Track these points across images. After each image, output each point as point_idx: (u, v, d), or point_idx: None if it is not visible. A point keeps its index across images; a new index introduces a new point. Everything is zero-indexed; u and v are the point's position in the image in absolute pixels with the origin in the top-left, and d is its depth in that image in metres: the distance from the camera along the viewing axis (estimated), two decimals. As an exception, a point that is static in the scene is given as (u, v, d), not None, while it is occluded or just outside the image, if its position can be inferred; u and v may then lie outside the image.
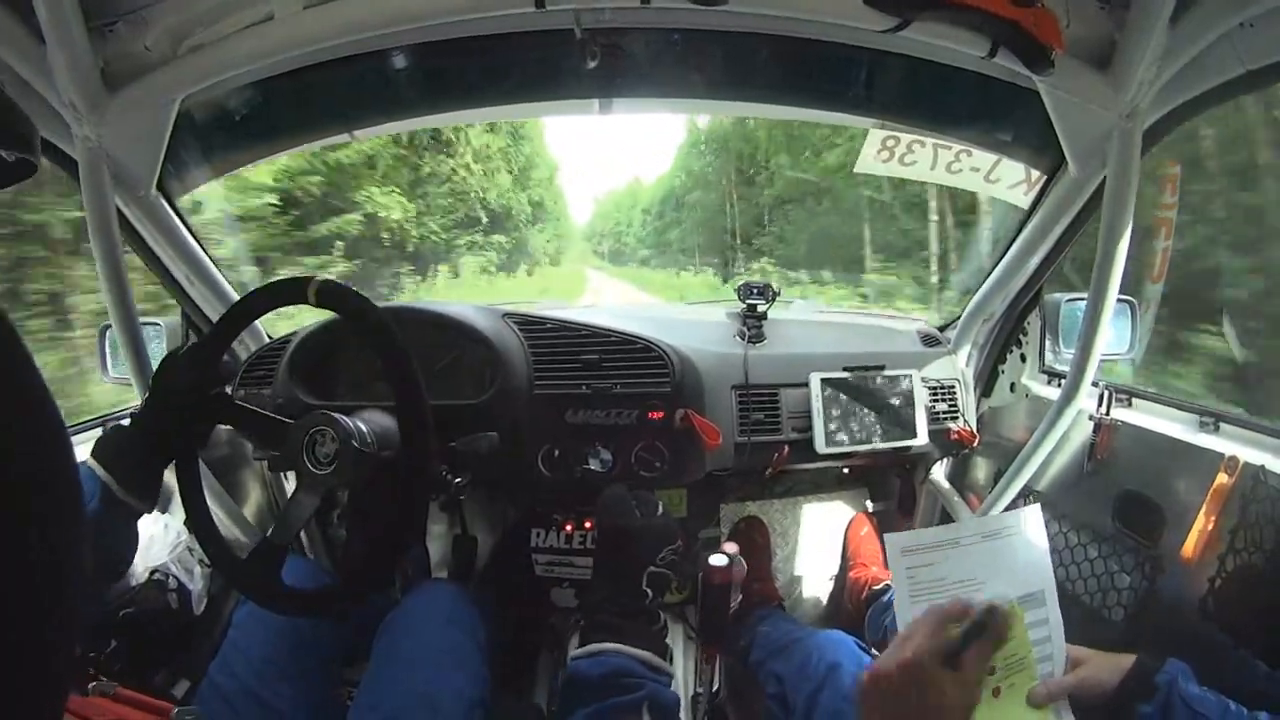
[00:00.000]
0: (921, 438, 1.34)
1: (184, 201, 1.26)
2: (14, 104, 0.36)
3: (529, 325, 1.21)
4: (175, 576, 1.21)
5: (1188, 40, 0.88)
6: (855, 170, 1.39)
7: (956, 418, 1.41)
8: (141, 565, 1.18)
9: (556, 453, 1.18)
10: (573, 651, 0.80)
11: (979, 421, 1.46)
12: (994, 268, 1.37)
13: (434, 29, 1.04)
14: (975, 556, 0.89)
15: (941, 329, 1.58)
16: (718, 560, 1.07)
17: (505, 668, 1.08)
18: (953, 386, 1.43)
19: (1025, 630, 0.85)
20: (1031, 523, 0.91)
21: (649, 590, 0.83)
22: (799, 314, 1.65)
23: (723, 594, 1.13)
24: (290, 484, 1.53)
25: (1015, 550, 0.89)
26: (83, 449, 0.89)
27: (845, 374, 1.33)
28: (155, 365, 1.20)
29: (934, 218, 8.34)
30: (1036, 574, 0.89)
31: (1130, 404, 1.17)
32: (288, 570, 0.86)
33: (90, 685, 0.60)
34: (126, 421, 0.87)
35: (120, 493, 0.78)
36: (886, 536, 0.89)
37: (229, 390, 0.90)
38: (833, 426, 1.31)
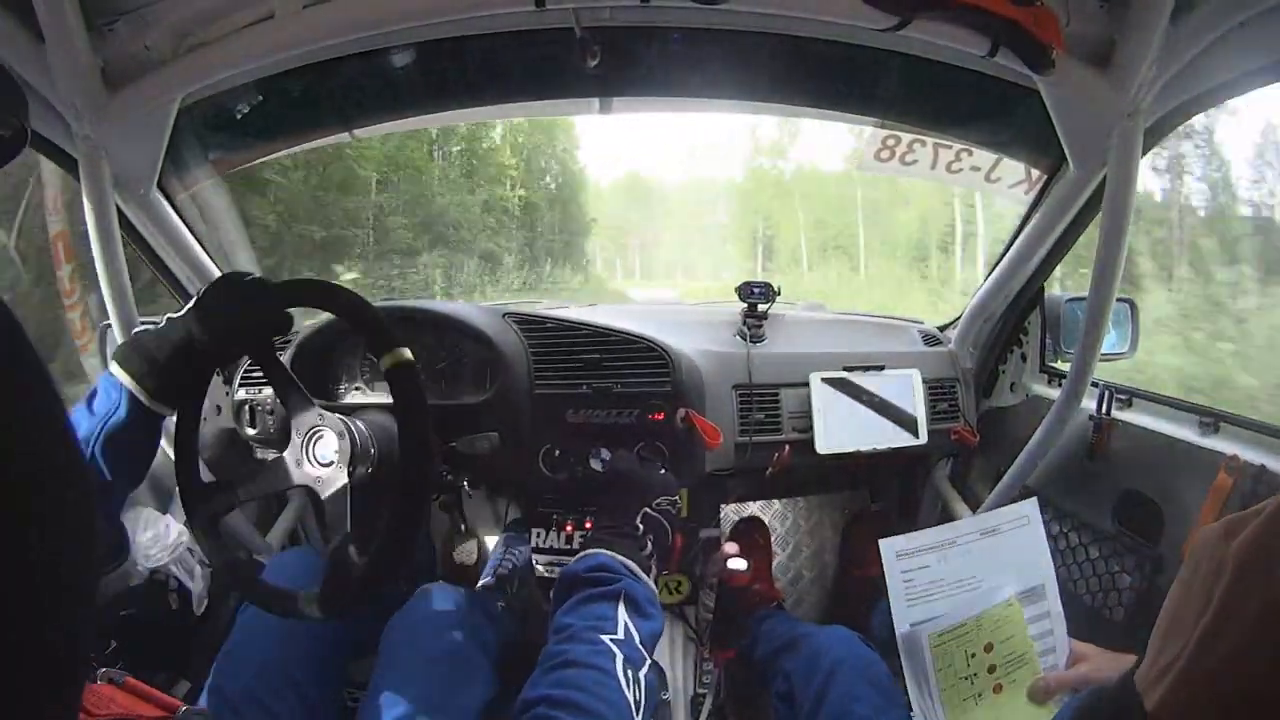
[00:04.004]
0: (922, 437, 1.34)
1: (184, 200, 1.26)
2: (8, 73, 0.36)
3: (529, 325, 1.21)
4: (175, 577, 1.21)
5: (1188, 39, 0.88)
6: (856, 170, 1.40)
7: (957, 417, 1.41)
8: (141, 565, 1.17)
9: (557, 452, 1.17)
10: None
11: (979, 421, 1.46)
12: (994, 267, 1.37)
13: (434, 28, 1.04)
14: (973, 555, 0.89)
15: (942, 329, 1.57)
16: (737, 564, 1.07)
17: (507, 669, 1.08)
18: (953, 386, 1.43)
19: (1025, 626, 0.85)
20: (1029, 517, 0.91)
21: (641, 526, 0.87)
22: (800, 314, 1.65)
23: (740, 597, 1.13)
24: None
25: (1013, 545, 0.90)
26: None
27: (846, 374, 1.33)
28: None
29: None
30: (1036, 568, 0.89)
31: (1130, 404, 1.17)
32: (291, 567, 0.85)
33: (100, 671, 0.60)
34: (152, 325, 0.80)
35: (148, 402, 0.75)
36: (880, 542, 0.89)
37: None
38: (833, 426, 1.31)
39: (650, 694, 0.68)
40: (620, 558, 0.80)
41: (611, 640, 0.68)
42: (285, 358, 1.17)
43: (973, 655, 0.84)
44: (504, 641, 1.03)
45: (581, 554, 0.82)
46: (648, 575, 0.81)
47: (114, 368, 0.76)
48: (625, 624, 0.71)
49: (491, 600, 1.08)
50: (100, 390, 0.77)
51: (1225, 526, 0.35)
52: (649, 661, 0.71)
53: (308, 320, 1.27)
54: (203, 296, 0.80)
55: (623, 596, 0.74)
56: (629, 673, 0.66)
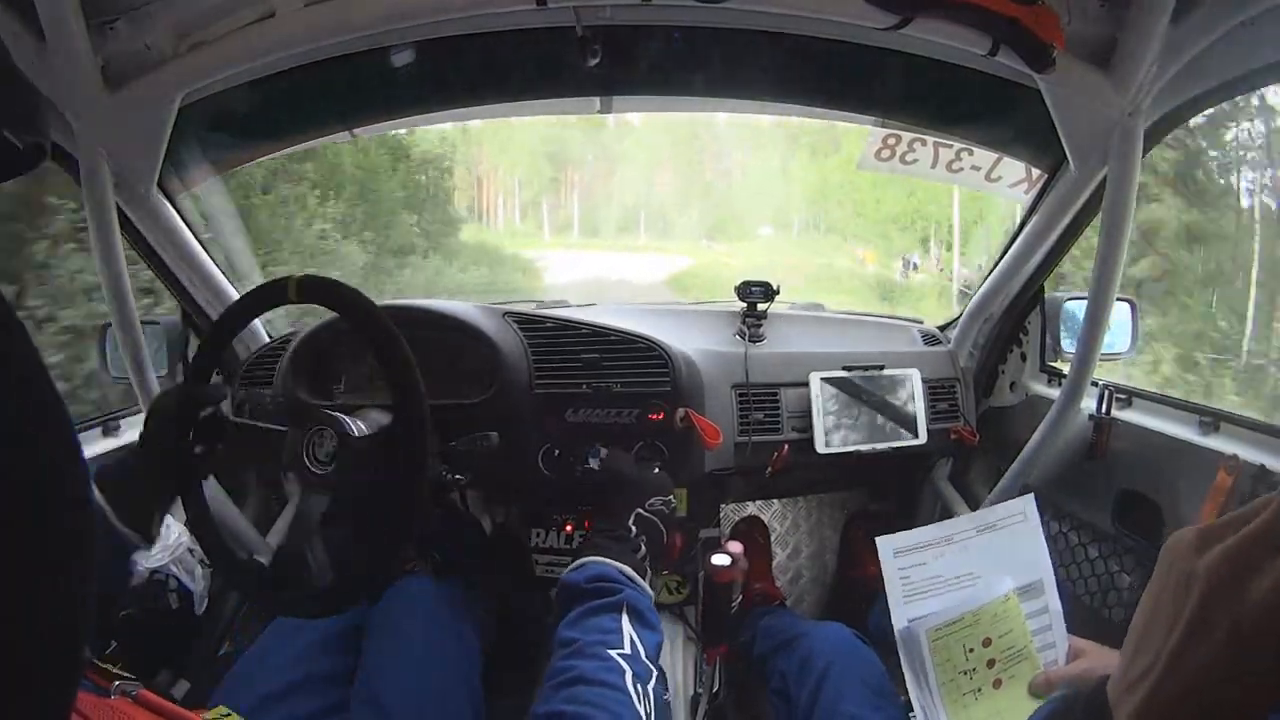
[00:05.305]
0: (922, 437, 1.34)
1: (184, 200, 1.26)
2: (28, 82, 0.35)
3: (529, 324, 1.21)
4: (175, 577, 1.21)
5: (1189, 39, 0.88)
6: (857, 169, 1.40)
7: (957, 417, 1.41)
8: (142, 565, 1.17)
9: (556, 452, 1.17)
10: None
11: (979, 421, 1.46)
12: (994, 267, 1.37)
13: (435, 27, 1.04)
14: (970, 551, 0.89)
15: (942, 328, 1.58)
16: (720, 560, 1.07)
17: (505, 668, 1.08)
18: (953, 386, 1.43)
19: (1024, 620, 0.85)
20: (1026, 513, 0.91)
21: (634, 527, 0.87)
22: (799, 313, 1.65)
23: (725, 593, 1.13)
24: (290, 485, 1.53)
25: (1011, 541, 0.90)
26: (85, 449, 0.89)
27: (845, 373, 1.33)
28: (154, 365, 1.21)
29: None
30: (1034, 563, 0.90)
31: (1130, 404, 1.17)
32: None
33: (115, 685, 0.59)
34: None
35: (118, 525, 0.76)
36: (878, 540, 0.89)
37: (224, 409, 0.90)
38: (832, 426, 1.31)
39: (659, 706, 0.69)
40: (618, 565, 0.80)
41: (619, 655, 0.68)
42: (286, 354, 1.17)
43: (971, 650, 0.84)
44: (490, 635, 1.04)
45: (578, 562, 0.81)
46: (644, 580, 0.81)
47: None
48: (630, 637, 0.71)
49: (477, 594, 1.09)
50: None
51: (1197, 537, 0.34)
52: (655, 673, 0.71)
53: (306, 318, 1.27)
54: (144, 420, 0.86)
55: (625, 608, 0.74)
56: (639, 687, 0.66)
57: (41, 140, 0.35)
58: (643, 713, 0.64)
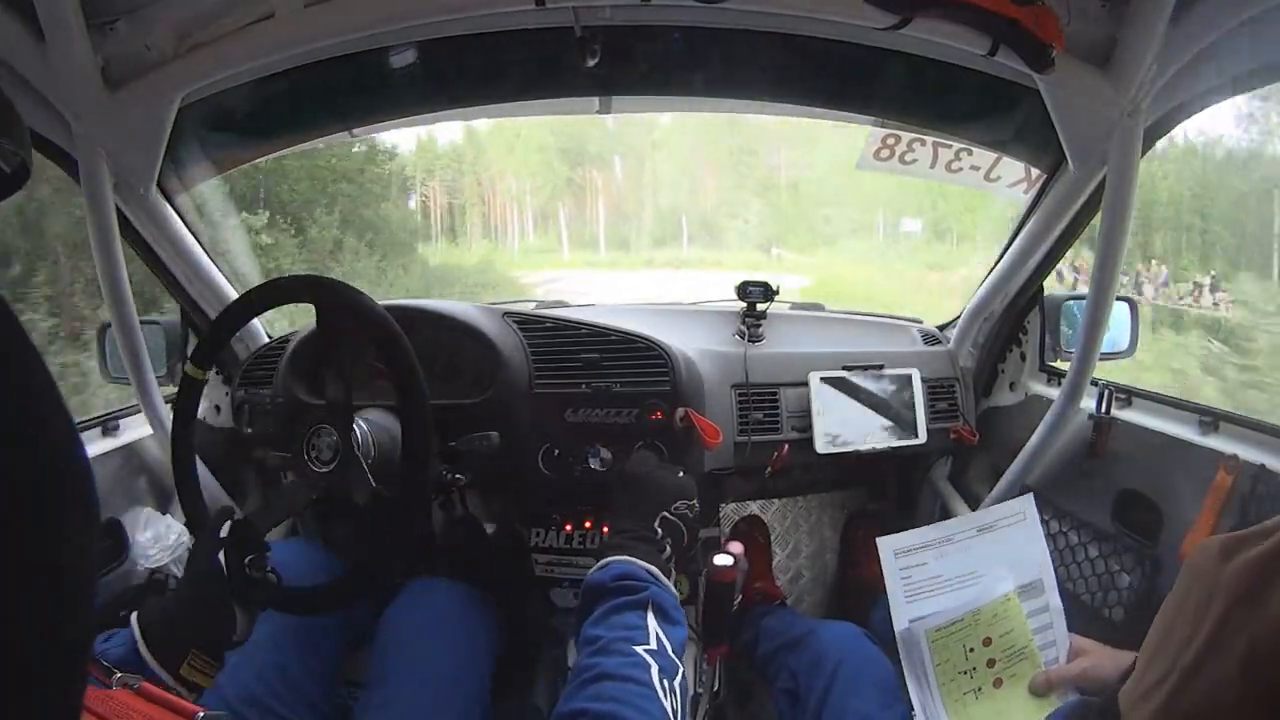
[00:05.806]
0: (921, 437, 1.34)
1: (183, 200, 1.26)
2: (8, 100, 0.36)
3: (529, 324, 1.21)
4: (175, 577, 1.21)
5: (1188, 39, 0.88)
6: (856, 168, 1.39)
7: (956, 417, 1.41)
8: (141, 565, 1.18)
9: (556, 452, 1.18)
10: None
11: (979, 421, 1.46)
12: (994, 266, 1.37)
13: (434, 27, 1.05)
14: (971, 551, 0.90)
15: (941, 328, 1.58)
16: (722, 560, 1.08)
17: (505, 668, 1.08)
18: (952, 385, 1.43)
19: (1024, 620, 0.86)
20: (1025, 513, 0.91)
21: (659, 529, 0.87)
22: (799, 313, 1.65)
23: (727, 593, 1.14)
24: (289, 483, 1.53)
25: (1011, 541, 0.91)
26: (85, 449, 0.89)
27: (845, 373, 1.33)
28: (153, 363, 1.21)
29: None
30: (1033, 562, 0.90)
31: (1130, 403, 1.17)
32: (292, 564, 0.86)
33: (116, 677, 0.60)
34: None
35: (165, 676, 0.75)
36: (878, 540, 0.90)
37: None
38: (832, 425, 1.31)
39: (685, 700, 0.68)
40: (643, 564, 0.79)
41: (645, 651, 0.67)
42: (285, 354, 1.17)
43: (971, 649, 0.84)
44: (498, 637, 1.03)
45: (603, 561, 0.80)
46: (669, 579, 0.81)
47: (140, 645, 0.73)
48: (656, 633, 0.70)
49: (487, 596, 1.09)
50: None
51: (1222, 545, 0.34)
52: (681, 669, 0.70)
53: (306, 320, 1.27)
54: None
55: (651, 605, 0.73)
56: (665, 683, 0.65)
57: (27, 159, 0.36)
58: (669, 708, 0.64)
